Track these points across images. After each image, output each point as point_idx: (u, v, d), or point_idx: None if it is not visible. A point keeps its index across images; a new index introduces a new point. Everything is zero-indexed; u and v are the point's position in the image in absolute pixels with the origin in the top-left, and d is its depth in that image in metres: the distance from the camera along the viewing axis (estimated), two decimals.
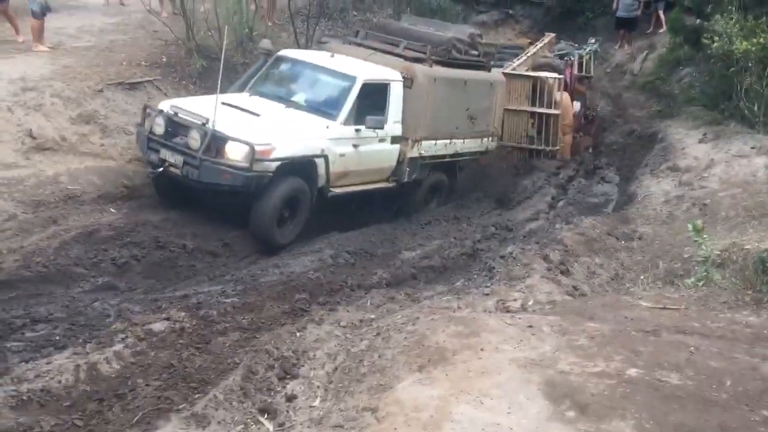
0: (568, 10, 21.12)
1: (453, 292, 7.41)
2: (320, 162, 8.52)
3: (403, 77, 9.59)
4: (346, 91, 9.02)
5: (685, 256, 8.38)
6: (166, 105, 8.61)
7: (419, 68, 9.78)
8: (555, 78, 12.61)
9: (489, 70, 11.37)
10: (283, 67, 9.74)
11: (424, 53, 10.13)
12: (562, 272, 7.75)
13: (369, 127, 8.94)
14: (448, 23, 12.16)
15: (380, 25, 11.37)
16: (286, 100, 9.14)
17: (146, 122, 8.53)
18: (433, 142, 10.18)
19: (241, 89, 9.56)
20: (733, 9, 11.25)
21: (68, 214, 8.20)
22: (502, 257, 8.03)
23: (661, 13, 18.30)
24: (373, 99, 9.17)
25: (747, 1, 11.74)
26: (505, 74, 12.46)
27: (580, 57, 14.53)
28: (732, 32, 10.72)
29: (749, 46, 10.25)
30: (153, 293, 6.80)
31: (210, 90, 9.58)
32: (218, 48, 10.69)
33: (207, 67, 10.80)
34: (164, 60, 11.11)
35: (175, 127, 8.22)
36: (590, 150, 14.35)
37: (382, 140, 9.38)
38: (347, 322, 5.80)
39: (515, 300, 6.67)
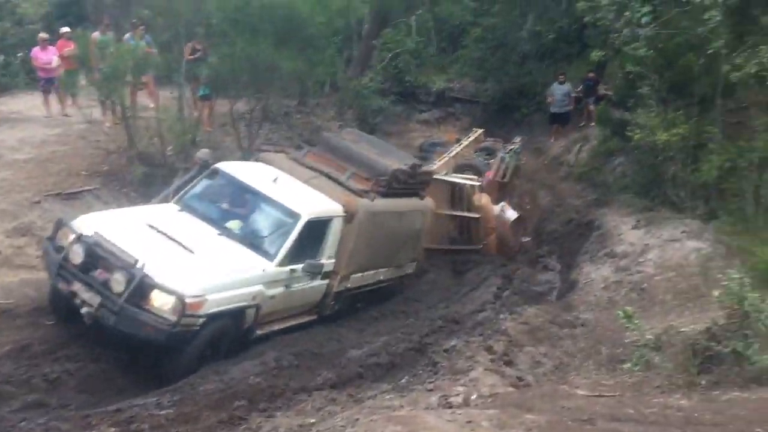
0: (504, 106, 22.09)
1: (397, 389, 7.32)
2: (251, 311, 8.00)
3: (345, 211, 9.21)
4: (287, 229, 8.51)
5: (626, 341, 8.51)
6: (86, 226, 7.66)
7: (362, 203, 9.44)
8: (472, 185, 12.97)
9: (422, 198, 11.28)
10: (220, 182, 9.12)
11: (369, 186, 9.89)
12: (506, 363, 7.77)
13: (305, 272, 8.52)
14: (391, 146, 12.18)
15: (325, 141, 10.94)
16: (219, 224, 8.51)
17: (58, 238, 7.72)
18: (361, 274, 9.89)
19: (169, 199, 9.06)
20: (654, 102, 11.92)
21: (0, 329, 7.95)
22: (446, 351, 8.03)
23: (591, 107, 19.26)
24: (312, 236, 8.77)
25: (666, 95, 12.46)
26: None
27: (502, 159, 15.03)
28: (653, 124, 11.33)
29: (669, 137, 10.82)
30: (85, 409, 6.55)
31: (148, 198, 9.51)
32: (160, 155, 10.90)
33: (149, 174, 10.85)
34: (105, 169, 11.16)
35: (95, 258, 7.33)
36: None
37: (314, 277, 8.89)
38: (285, 429, 5.66)
39: (458, 395, 6.62)
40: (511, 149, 15.82)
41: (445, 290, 12.38)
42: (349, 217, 9.27)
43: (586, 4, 12.18)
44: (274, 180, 9.09)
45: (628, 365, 6.53)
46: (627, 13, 12.38)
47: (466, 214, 13.23)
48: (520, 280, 12.67)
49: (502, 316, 9.54)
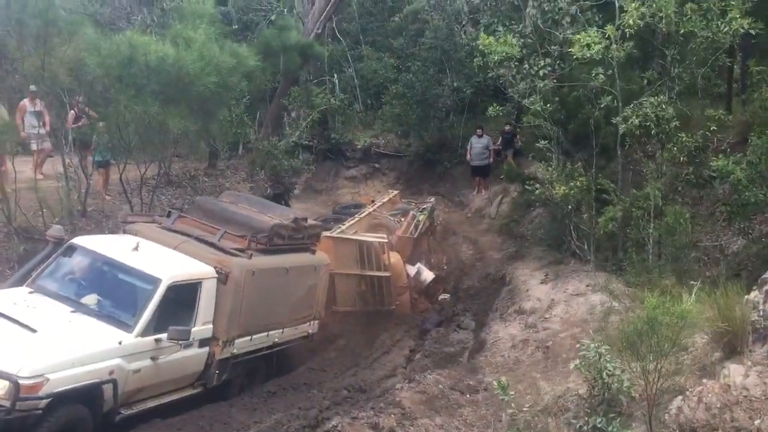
0: (427, 161, 22.06)
1: None
2: (107, 387, 7.34)
3: (218, 272, 8.70)
4: (146, 296, 7.92)
5: (526, 406, 8.17)
6: None
7: (236, 262, 8.90)
8: (379, 241, 12.70)
9: (314, 253, 10.94)
10: (76, 258, 8.48)
11: (243, 244, 9.43)
12: None
13: (171, 339, 7.89)
14: (272, 204, 11.75)
15: (198, 204, 10.53)
16: (74, 301, 7.92)
17: None
18: (249, 338, 9.33)
19: (21, 282, 8.41)
20: (553, 155, 11.90)
21: None
22: None
23: (510, 159, 19.33)
24: (180, 301, 8.22)
25: (569, 147, 12.48)
26: (331, 237, 12.55)
27: (414, 216, 14.83)
28: (551, 177, 11.26)
29: (568, 190, 10.74)
30: None
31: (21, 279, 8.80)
32: (43, 229, 10.26)
33: (29, 250, 10.17)
34: None
35: None
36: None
37: (188, 345, 8.30)
38: None
39: None
40: (423, 208, 15.59)
41: (355, 356, 11.95)
42: (222, 277, 8.75)
43: (481, 60, 12.17)
44: (135, 248, 8.51)
45: None
46: (525, 66, 12.46)
47: (375, 273, 12.87)
48: (432, 341, 12.31)
49: (398, 385, 9.07)
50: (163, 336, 7.91)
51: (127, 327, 7.70)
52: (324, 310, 11.41)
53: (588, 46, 10.24)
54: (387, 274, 12.90)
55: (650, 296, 9.72)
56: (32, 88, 12.13)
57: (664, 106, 9.97)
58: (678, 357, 5.53)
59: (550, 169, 11.41)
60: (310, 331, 11.03)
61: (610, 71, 11.04)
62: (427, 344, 12.14)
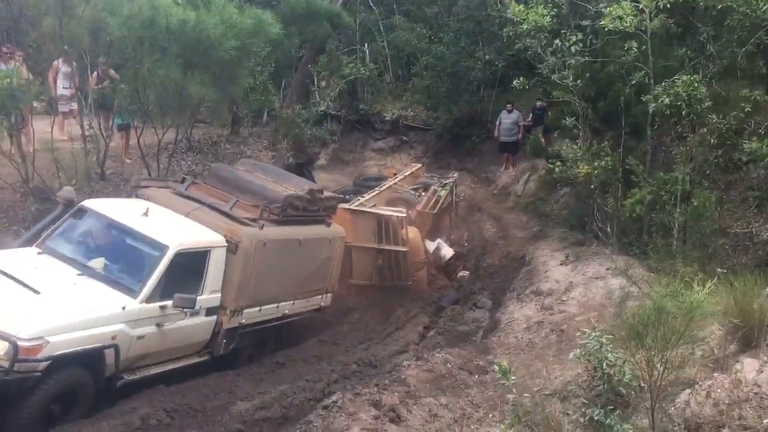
0: (456, 135, 21.69)
1: None
2: (109, 352, 7.26)
3: (227, 242, 8.55)
4: (153, 262, 7.81)
5: (535, 389, 7.98)
6: None
7: (246, 232, 8.74)
8: (398, 216, 12.46)
9: (329, 225, 10.72)
10: (86, 221, 8.40)
11: (256, 214, 9.24)
12: (391, 420, 7.15)
13: (176, 307, 7.78)
14: (288, 174, 11.53)
15: (213, 172, 10.37)
16: (81, 264, 7.83)
17: None
18: (257, 308, 9.19)
19: (31, 242, 8.37)
20: (580, 133, 11.51)
21: None
22: (325, 408, 7.37)
23: (539, 135, 18.87)
24: (187, 269, 8.11)
25: (598, 125, 12.07)
26: (349, 210, 12.37)
27: (435, 192, 14.53)
28: (576, 156, 10.89)
29: (590, 170, 10.37)
30: None
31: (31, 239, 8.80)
32: (57, 190, 10.23)
33: (42, 210, 10.17)
34: None
35: None
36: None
37: (194, 314, 8.18)
38: None
39: None
40: (445, 183, 15.30)
41: (368, 330, 11.82)
42: (232, 247, 8.62)
43: (512, 30, 11.76)
44: (145, 213, 8.41)
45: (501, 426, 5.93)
46: (557, 41, 12.02)
47: (392, 247, 12.68)
48: (447, 318, 12.12)
49: (405, 363, 8.91)
50: (169, 303, 7.81)
51: (132, 292, 7.62)
52: (337, 284, 11.25)
53: (620, 18, 9.78)
54: (404, 249, 12.70)
55: (668, 282, 9.50)
56: (66, 48, 12.08)
57: (696, 85, 9.50)
58: (687, 349, 5.26)
59: (575, 147, 10.99)
60: (323, 304, 10.90)
61: (644, 46, 10.58)
62: (442, 322, 11.95)
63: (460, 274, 14.55)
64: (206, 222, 8.85)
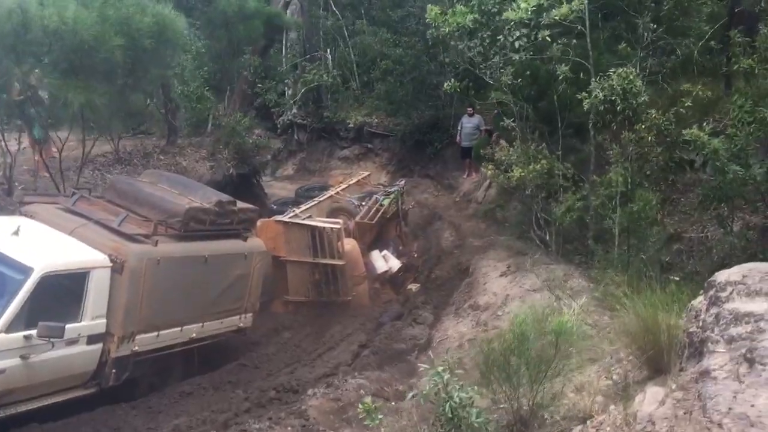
0: (417, 141, 20.95)
1: None
2: None
3: (112, 261, 7.79)
4: (15, 287, 7.00)
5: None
6: None
7: (134, 250, 8.00)
8: (332, 227, 11.69)
9: (245, 240, 9.98)
10: None
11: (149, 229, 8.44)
12: None
13: (41, 337, 6.94)
14: (196, 184, 10.68)
15: (111, 184, 9.75)
16: None
17: None
18: (154, 334, 8.39)
19: None
20: (518, 135, 10.75)
21: None
22: None
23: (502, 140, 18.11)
24: (62, 293, 7.37)
25: (538, 126, 11.33)
26: (281, 222, 11.64)
27: (376, 201, 13.74)
28: (510, 160, 10.13)
29: (523, 173, 9.60)
30: None
31: None
32: None
33: None
34: None
35: None
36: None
37: (71, 343, 7.40)
38: None
39: None
40: (390, 192, 14.52)
41: (297, 351, 11.02)
42: (118, 267, 7.82)
43: (435, 33, 10.99)
44: (15, 232, 7.58)
45: None
46: (500, 38, 11.25)
47: (328, 261, 11.91)
48: (384, 336, 11.31)
49: (309, 391, 8.11)
50: (34, 332, 7.01)
51: None
52: (258, 303, 10.46)
53: (521, 9, 9.04)
54: (341, 262, 11.93)
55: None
56: None
57: (632, 79, 8.73)
58: (561, 381, 4.48)
59: (511, 150, 10.22)
60: (242, 325, 10.09)
61: (578, 41, 9.84)
62: (378, 340, 11.15)
63: (410, 286, 13.77)
64: (91, 240, 8.04)
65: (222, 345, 10.24)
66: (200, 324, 9.22)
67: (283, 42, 25.93)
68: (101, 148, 13.75)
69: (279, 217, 12.12)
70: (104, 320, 7.86)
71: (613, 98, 8.75)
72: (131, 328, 8.09)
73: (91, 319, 7.70)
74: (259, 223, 12.27)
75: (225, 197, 9.81)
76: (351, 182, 14.64)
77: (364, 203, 13.41)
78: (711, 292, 5.48)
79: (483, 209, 16.88)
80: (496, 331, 9.37)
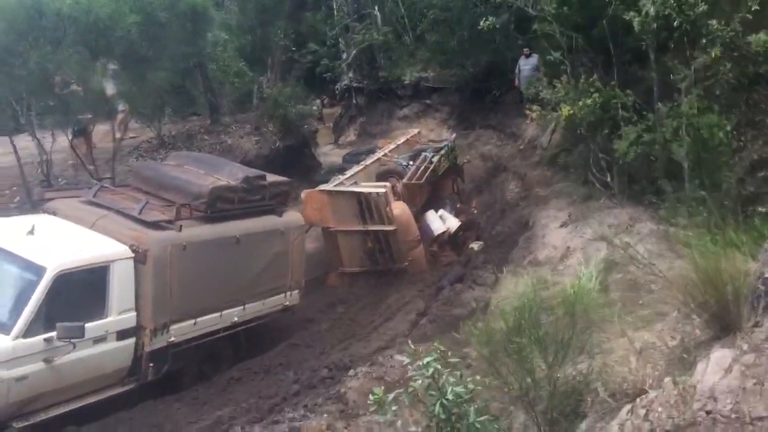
0: (475, 91, 19.84)
1: None
2: None
3: (134, 251, 7.44)
4: (28, 289, 6.68)
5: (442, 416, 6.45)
6: None
7: (156, 237, 7.62)
8: (377, 191, 10.96)
9: (281, 215, 9.45)
10: None
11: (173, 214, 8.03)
12: None
13: (61, 339, 6.62)
14: (224, 162, 10.13)
15: (136, 171, 9.38)
16: None
17: None
18: (191, 322, 8.03)
19: None
20: (567, 70, 9.67)
21: None
22: None
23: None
24: (83, 290, 7.03)
25: (594, 57, 10.19)
26: (325, 192, 11.03)
27: (425, 159, 12.85)
28: (558, 97, 9.10)
29: (571, 110, 8.57)
30: None
31: None
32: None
33: None
34: None
35: None
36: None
37: (99, 341, 7.08)
38: None
39: None
40: (440, 147, 13.63)
41: (352, 325, 10.51)
42: (141, 257, 7.45)
43: None
44: (30, 231, 7.26)
45: None
46: None
47: (378, 227, 11.27)
48: (442, 302, 10.62)
49: (350, 371, 7.54)
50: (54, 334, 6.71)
51: (4, 328, 6.53)
52: (303, 279, 9.97)
53: None
54: (392, 227, 11.27)
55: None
56: None
57: None
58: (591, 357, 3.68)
59: (557, 87, 9.18)
60: (288, 303, 9.64)
61: None
62: (436, 306, 10.47)
63: (472, 245, 12.94)
64: (112, 231, 7.70)
65: (272, 325, 9.85)
66: (241, 307, 8.82)
67: (333, 4, 25.36)
68: (148, 134, 13.51)
69: (323, 187, 11.54)
70: (134, 313, 7.53)
71: (667, 12, 7.57)
72: (163, 319, 7.75)
73: (118, 313, 7.37)
74: (303, 194, 11.81)
75: (253, 172, 9.29)
76: (399, 142, 13.85)
77: (412, 163, 12.61)
78: None
79: (548, 155, 15.71)
80: (558, 288, 8.56)
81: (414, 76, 22.09)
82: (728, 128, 7.88)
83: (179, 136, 13.54)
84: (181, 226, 7.90)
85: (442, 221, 12.76)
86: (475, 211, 13.74)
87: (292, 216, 9.71)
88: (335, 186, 11.50)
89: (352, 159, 13.94)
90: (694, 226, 7.74)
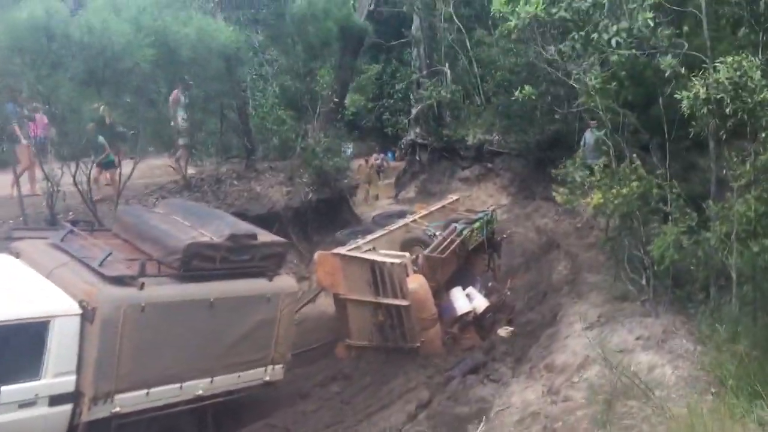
0: (539, 160, 18.69)
1: None
2: None
3: (82, 308, 6.78)
4: None
5: None
6: None
7: (109, 294, 6.89)
8: (394, 262, 9.96)
9: (271, 279, 8.59)
10: None
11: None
12: None
13: None
14: (220, 214, 9.35)
15: (119, 216, 8.71)
16: None
17: None
18: (143, 392, 7.21)
19: None
20: (610, 151, 8.50)
21: None
22: None
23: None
24: (15, 348, 6.41)
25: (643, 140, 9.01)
26: (338, 255, 10.14)
27: (454, 230, 11.72)
28: (591, 181, 7.94)
29: (601, 199, 7.39)
30: None
31: None
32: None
33: None
34: None
35: None
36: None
37: (26, 405, 6.40)
38: None
39: None
40: (475, 219, 12.51)
41: (344, 408, 9.41)
42: (89, 314, 6.71)
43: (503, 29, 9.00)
44: None
45: None
46: (594, 35, 9.09)
47: (391, 301, 10.25)
48: (447, 395, 9.41)
49: None
50: None
51: None
52: (289, 352, 9.01)
53: None
54: (405, 302, 10.22)
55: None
56: None
57: (746, 68, 6.32)
58: None
59: (595, 168, 8.03)
60: (268, 378, 8.68)
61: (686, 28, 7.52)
62: (439, 400, 9.27)
63: (500, 331, 11.67)
64: (67, 282, 7.02)
65: (252, 400, 8.91)
66: (208, 379, 7.91)
67: (412, 58, 24.97)
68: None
69: (337, 250, 10.65)
70: (73, 377, 6.75)
71: (719, 96, 6.38)
72: (107, 386, 6.93)
73: (54, 376, 6.63)
74: (316, 255, 10.96)
75: (244, 230, 8.46)
76: (433, 208, 12.85)
77: (440, 233, 11.55)
78: None
79: (604, 238, 14.35)
80: (567, 405, 7.29)
81: (478, 138, 21.21)
82: None
83: (208, 179, 13.03)
84: (143, 283, 7.13)
85: (468, 300, 11.59)
86: (509, 293, 12.48)
87: (284, 281, 8.82)
88: (350, 250, 10.58)
89: (381, 221, 13.00)
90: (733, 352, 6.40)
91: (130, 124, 9.48)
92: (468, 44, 22.90)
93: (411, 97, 25.63)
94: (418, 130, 24.30)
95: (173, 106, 12.58)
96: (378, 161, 25.48)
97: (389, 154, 27.32)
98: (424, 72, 23.27)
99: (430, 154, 23.48)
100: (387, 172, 26.14)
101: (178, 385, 7.59)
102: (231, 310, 7.99)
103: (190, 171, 13.59)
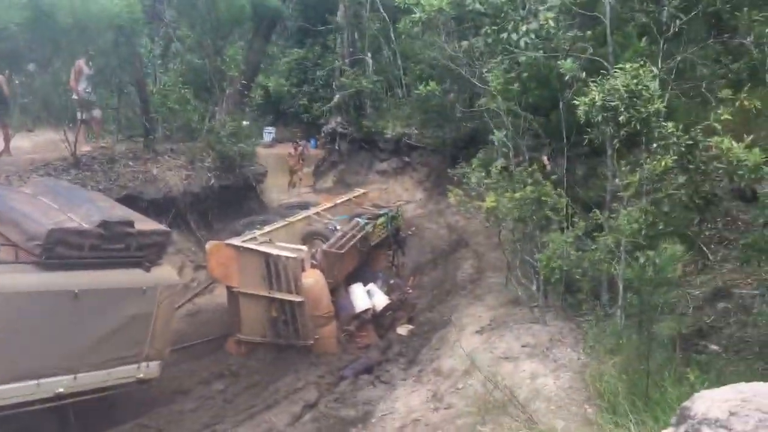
0: (453, 156, 18.55)
1: None
2: None
3: None
4: None
5: None
6: None
7: None
8: (289, 256, 9.57)
9: (148, 270, 8.04)
10: None
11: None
12: None
13: None
14: (94, 196, 8.71)
15: None
16: None
17: None
18: None
19: None
20: (510, 153, 8.31)
21: None
22: None
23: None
24: None
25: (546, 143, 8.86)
26: (232, 246, 9.66)
27: (356, 224, 11.41)
28: (486, 183, 7.74)
29: (494, 202, 7.19)
30: None
31: None
32: None
33: None
34: None
35: None
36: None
37: None
38: None
39: None
40: (379, 214, 12.22)
41: (225, 408, 8.94)
42: None
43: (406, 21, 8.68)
44: None
45: None
46: (503, 34, 8.85)
47: (285, 296, 9.84)
48: (334, 397, 9.08)
49: None
50: None
51: None
52: (168, 348, 8.48)
53: None
54: (299, 298, 9.82)
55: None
56: None
57: (640, 77, 6.19)
58: None
59: (494, 170, 7.83)
60: (142, 375, 8.12)
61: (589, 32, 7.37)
62: (326, 401, 8.93)
63: (399, 329, 11.44)
64: None
65: (125, 398, 8.34)
66: (71, 376, 7.31)
67: (335, 44, 24.48)
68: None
69: (231, 240, 10.14)
70: None
71: (614, 103, 6.23)
72: None
73: None
74: (208, 245, 10.42)
75: (119, 216, 7.84)
76: (338, 201, 12.47)
77: (342, 228, 11.19)
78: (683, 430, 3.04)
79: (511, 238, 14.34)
80: (449, 412, 7.07)
81: (397, 131, 20.94)
82: (678, 254, 6.44)
83: (100, 158, 12.20)
84: None
85: (368, 297, 11.30)
86: (410, 290, 12.25)
87: (163, 272, 8.27)
88: (245, 241, 10.09)
89: (283, 212, 12.53)
90: (618, 362, 6.30)
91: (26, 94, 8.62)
92: (392, 35, 22.62)
93: (333, 84, 25.18)
94: (339, 119, 23.85)
95: (77, 77, 11.83)
96: (300, 148, 24.96)
97: (312, 142, 26.79)
98: (347, 60, 22.80)
99: (350, 144, 23.05)
100: (308, 159, 25.65)
101: (34, 382, 6.96)
102: (99, 303, 7.40)
103: (86, 148, 12.70)
